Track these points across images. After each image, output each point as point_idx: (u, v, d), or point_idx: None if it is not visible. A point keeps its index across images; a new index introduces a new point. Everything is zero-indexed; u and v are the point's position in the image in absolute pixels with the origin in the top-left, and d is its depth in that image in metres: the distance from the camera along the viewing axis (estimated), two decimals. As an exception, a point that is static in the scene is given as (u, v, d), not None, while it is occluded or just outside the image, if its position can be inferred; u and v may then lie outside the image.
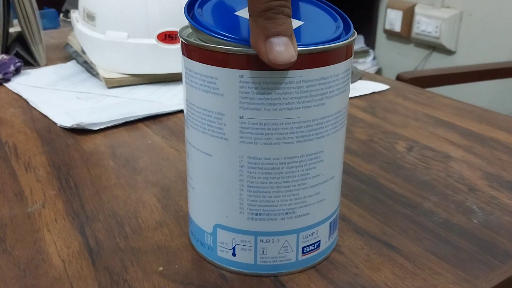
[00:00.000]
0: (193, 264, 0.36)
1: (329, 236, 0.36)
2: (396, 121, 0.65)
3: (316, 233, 0.35)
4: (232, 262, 0.35)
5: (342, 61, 0.31)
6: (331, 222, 0.36)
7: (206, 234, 0.35)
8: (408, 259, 0.37)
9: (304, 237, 0.35)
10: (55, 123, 0.61)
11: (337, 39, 0.31)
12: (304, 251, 0.35)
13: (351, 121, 0.65)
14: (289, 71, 0.29)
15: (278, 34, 0.28)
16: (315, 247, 0.36)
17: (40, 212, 0.42)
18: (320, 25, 0.34)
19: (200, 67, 0.31)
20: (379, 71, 2.15)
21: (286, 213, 0.34)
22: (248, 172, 0.32)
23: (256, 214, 0.33)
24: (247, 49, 0.29)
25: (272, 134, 0.31)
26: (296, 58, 0.29)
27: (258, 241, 0.34)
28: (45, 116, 0.64)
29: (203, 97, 0.32)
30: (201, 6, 0.33)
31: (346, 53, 0.32)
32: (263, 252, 0.34)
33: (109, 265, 0.36)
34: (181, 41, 0.32)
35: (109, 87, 0.73)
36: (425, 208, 0.44)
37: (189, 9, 0.33)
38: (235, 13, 0.33)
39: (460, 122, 0.65)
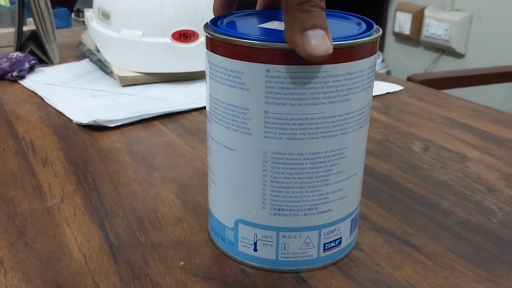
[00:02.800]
0: (213, 259, 0.36)
1: (350, 233, 0.36)
2: (411, 122, 0.65)
3: (338, 230, 0.35)
4: (253, 258, 0.35)
5: (368, 56, 0.31)
6: (352, 219, 0.36)
7: (227, 229, 0.35)
8: (429, 258, 0.37)
9: (326, 234, 0.35)
10: (70, 120, 0.61)
11: (361, 35, 0.31)
12: (326, 248, 0.35)
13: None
14: (315, 66, 0.29)
15: (314, 27, 0.28)
16: (336, 244, 0.36)
17: (59, 206, 0.43)
18: (344, 24, 0.34)
19: (225, 62, 0.31)
20: (387, 74, 2.14)
21: (309, 209, 0.33)
22: (271, 167, 0.32)
23: (279, 210, 0.33)
24: (273, 43, 0.29)
25: (296, 129, 0.31)
26: (332, 50, 0.29)
27: (280, 236, 0.34)
28: (61, 113, 0.64)
29: (227, 92, 0.32)
30: (223, 21, 0.34)
31: (371, 49, 0.32)
32: (284, 248, 0.34)
33: (130, 259, 0.36)
34: (206, 36, 0.32)
35: (123, 85, 0.73)
36: (444, 208, 0.44)
37: (214, 24, 0.33)
38: (259, 26, 0.34)
39: (476, 123, 0.65)
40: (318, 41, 0.28)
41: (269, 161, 0.32)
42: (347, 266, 0.36)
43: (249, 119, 0.31)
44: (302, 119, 0.31)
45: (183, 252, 0.37)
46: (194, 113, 0.65)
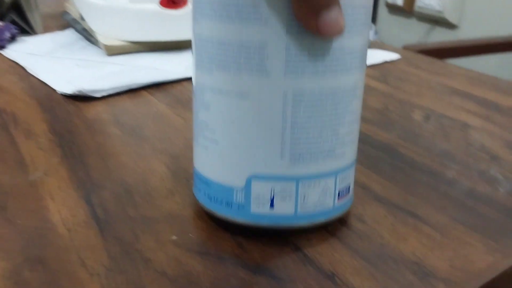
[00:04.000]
0: (208, 233, 0.34)
1: (353, 181, 0.36)
2: (410, 90, 0.62)
3: (349, 176, 0.34)
4: (268, 216, 0.32)
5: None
6: (354, 167, 0.36)
7: (235, 191, 0.33)
8: (435, 229, 0.35)
9: (341, 180, 0.33)
10: (54, 90, 0.59)
11: None
12: (340, 195, 0.34)
13: (364, 90, 0.62)
14: None
15: (327, 4, 0.27)
16: (347, 191, 0.34)
17: (42, 180, 0.40)
18: None
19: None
20: (380, 46, 2.11)
21: (328, 153, 0.32)
22: (292, 108, 0.30)
23: (299, 157, 0.31)
24: None
25: (319, 63, 0.29)
26: (344, 28, 0.28)
27: (299, 187, 0.32)
28: (44, 84, 0.61)
29: (239, 29, 0.29)
30: None
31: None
32: (304, 200, 0.32)
33: (118, 234, 0.34)
34: None
35: (110, 55, 0.70)
36: (448, 177, 0.42)
37: None
38: None
39: (476, 91, 0.63)
40: (333, 22, 0.27)
41: (289, 103, 0.30)
42: (349, 239, 0.34)
43: (267, 57, 0.29)
44: (324, 53, 0.29)
45: (176, 226, 0.34)
46: (184, 83, 0.62)
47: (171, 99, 0.57)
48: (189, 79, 0.63)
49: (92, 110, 0.53)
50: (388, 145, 0.47)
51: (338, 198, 0.34)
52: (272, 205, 0.32)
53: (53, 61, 0.69)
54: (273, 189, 0.32)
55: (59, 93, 0.58)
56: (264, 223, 0.33)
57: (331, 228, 0.35)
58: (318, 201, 0.33)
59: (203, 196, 0.35)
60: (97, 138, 0.47)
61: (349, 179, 0.34)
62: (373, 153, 0.46)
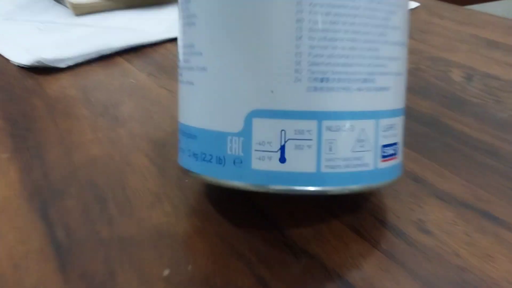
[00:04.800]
0: (214, 262, 0.24)
1: (402, 141, 0.26)
2: (440, 44, 0.52)
3: (395, 128, 0.24)
4: (278, 176, 0.22)
5: None
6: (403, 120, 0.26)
7: (229, 139, 0.23)
8: (525, 237, 0.25)
9: (384, 128, 0.24)
10: (8, 61, 0.47)
11: None
12: (384, 153, 0.24)
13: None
14: None
15: None
16: (394, 151, 0.25)
17: (-16, 186, 0.30)
18: None
19: None
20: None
21: (364, 81, 0.22)
22: (309, 9, 0.21)
23: (322, 80, 0.22)
24: None
25: None
26: None
27: (323, 129, 0.22)
28: (-4, 53, 0.50)
29: None
30: None
31: None
32: (330, 150, 0.22)
33: (86, 269, 0.24)
34: None
35: (78, 15, 0.58)
36: (518, 158, 0.32)
37: None
38: None
39: (519, 42, 0.53)
40: None
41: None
42: (413, 261, 0.24)
43: None
44: None
45: (167, 252, 0.25)
46: (167, 45, 0.51)
47: (153, 67, 0.46)
48: (174, 40, 0.52)
49: (55, 86, 0.42)
50: (432, 117, 0.37)
51: (382, 157, 0.24)
52: (282, 157, 0.22)
53: (9, 25, 0.57)
54: (284, 132, 0.22)
55: (14, 64, 0.46)
56: (272, 185, 0.23)
57: (384, 243, 0.25)
58: (352, 155, 0.23)
59: (188, 158, 0.25)
60: (60, 122, 0.37)
61: (396, 132, 0.25)
62: (416, 128, 0.36)
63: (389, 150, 0.24)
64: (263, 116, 0.22)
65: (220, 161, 0.23)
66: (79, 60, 0.46)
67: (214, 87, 0.23)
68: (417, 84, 0.43)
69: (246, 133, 0.22)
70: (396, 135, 0.25)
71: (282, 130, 0.22)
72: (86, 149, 0.33)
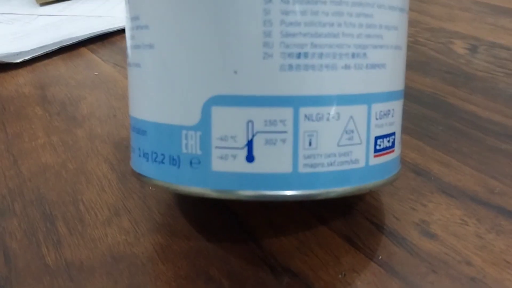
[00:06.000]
0: (180, 283, 0.20)
1: (400, 131, 0.22)
2: (439, 14, 0.47)
3: (392, 115, 0.20)
4: (246, 179, 0.18)
5: None
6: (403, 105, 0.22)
7: (183, 134, 0.18)
8: (552, 238, 0.21)
9: (379, 116, 0.19)
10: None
11: None
12: (378, 147, 0.19)
13: None
14: None
15: None
16: (390, 144, 0.20)
17: None
18: None
19: None
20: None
21: (354, 55, 0.18)
22: None
23: (299, 56, 0.17)
24: None
25: None
26: None
27: (300, 118, 0.18)
28: (-50, 51, 0.45)
29: None
30: None
31: None
32: (310, 144, 0.18)
33: (23, 307, 0.19)
34: None
35: (41, 4, 0.54)
36: (536, 139, 0.28)
37: None
38: None
39: (525, 7, 0.48)
40: None
41: None
42: (416, 273, 0.20)
43: None
44: None
45: (122, 280, 0.20)
46: (139, 32, 0.46)
47: (120, 56, 0.41)
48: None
49: (10, 83, 0.38)
50: (434, 96, 0.33)
51: (376, 152, 0.19)
52: (250, 155, 0.18)
53: (-32, 19, 0.52)
54: (252, 123, 0.18)
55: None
56: (238, 191, 0.18)
57: (381, 253, 0.21)
58: (338, 150, 0.18)
59: (138, 159, 0.21)
60: (11, 126, 0.32)
61: (393, 120, 0.20)
62: (418, 110, 0.31)
63: (384, 142, 0.20)
64: (225, 104, 0.18)
65: (174, 161, 0.19)
66: (38, 53, 0.42)
67: (163, 69, 0.19)
68: (416, 60, 0.38)
69: (204, 126, 0.18)
70: (393, 123, 0.20)
71: (249, 121, 0.18)
72: (36, 157, 0.29)
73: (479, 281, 0.19)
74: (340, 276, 0.20)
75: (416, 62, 0.38)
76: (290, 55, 0.17)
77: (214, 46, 0.18)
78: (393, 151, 0.21)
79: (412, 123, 0.30)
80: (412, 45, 0.41)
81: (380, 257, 0.20)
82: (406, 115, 0.31)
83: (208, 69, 0.18)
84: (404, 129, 0.29)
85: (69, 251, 0.22)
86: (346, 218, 0.23)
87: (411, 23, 0.45)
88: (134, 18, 0.20)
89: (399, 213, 0.23)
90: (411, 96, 0.33)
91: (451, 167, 0.26)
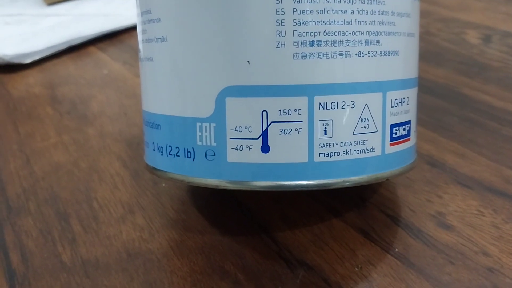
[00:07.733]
0: (196, 278, 0.20)
1: (415, 121, 0.22)
2: (450, 3, 0.47)
3: (407, 103, 0.20)
4: (261, 170, 0.18)
5: None
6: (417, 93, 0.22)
7: (198, 126, 0.18)
8: None
9: (394, 104, 0.19)
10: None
11: None
12: (394, 135, 0.19)
13: None
14: None
15: None
16: (406, 132, 0.20)
17: None
18: None
19: None
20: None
21: (367, 43, 0.18)
22: None
23: (312, 44, 0.17)
24: None
25: None
26: None
27: (315, 107, 0.18)
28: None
29: None
30: None
31: None
32: (325, 134, 0.18)
33: (40, 306, 0.19)
34: None
35: (49, 4, 0.54)
36: (552, 128, 0.27)
37: None
38: None
39: (537, -5, 0.47)
40: None
41: None
42: (433, 264, 0.20)
43: None
44: None
45: (138, 276, 0.20)
46: (148, 30, 0.46)
47: (129, 54, 0.41)
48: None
49: (20, 84, 0.38)
50: (448, 87, 0.32)
51: (392, 140, 0.19)
52: (265, 145, 0.18)
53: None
54: (266, 114, 0.18)
55: (-22, 63, 0.42)
56: (253, 181, 0.18)
57: (397, 246, 0.20)
58: (354, 138, 0.18)
59: (152, 154, 0.21)
60: (23, 126, 0.32)
61: (408, 108, 0.20)
62: (431, 101, 0.31)
63: (400, 131, 0.20)
64: (239, 95, 0.18)
65: (189, 154, 0.19)
66: (47, 53, 0.42)
67: (176, 61, 0.19)
68: (428, 51, 0.38)
69: (218, 117, 0.18)
70: (408, 111, 0.20)
71: (263, 111, 0.18)
72: (49, 155, 0.29)
73: (497, 271, 0.19)
74: (356, 269, 0.19)
75: (428, 53, 0.37)
76: (303, 43, 0.17)
77: (227, 37, 0.17)
78: (409, 139, 0.20)
79: (426, 115, 0.29)
80: (424, 36, 0.40)
81: (396, 250, 0.20)
82: (420, 106, 0.30)
83: (221, 59, 0.18)
84: (418, 121, 0.29)
85: (84, 248, 0.22)
86: (360, 211, 0.22)
87: (423, 14, 0.45)
88: (145, 12, 0.20)
89: (414, 205, 0.23)
90: (424, 87, 0.32)
91: (466, 158, 0.25)
